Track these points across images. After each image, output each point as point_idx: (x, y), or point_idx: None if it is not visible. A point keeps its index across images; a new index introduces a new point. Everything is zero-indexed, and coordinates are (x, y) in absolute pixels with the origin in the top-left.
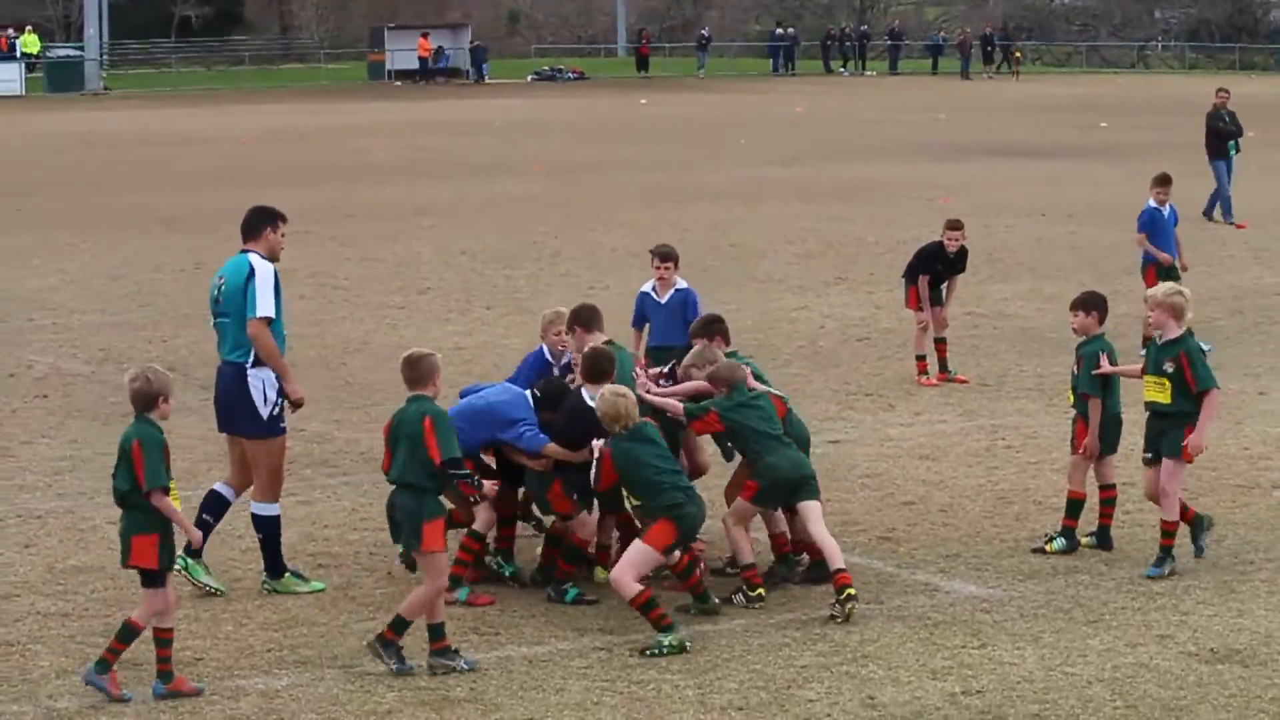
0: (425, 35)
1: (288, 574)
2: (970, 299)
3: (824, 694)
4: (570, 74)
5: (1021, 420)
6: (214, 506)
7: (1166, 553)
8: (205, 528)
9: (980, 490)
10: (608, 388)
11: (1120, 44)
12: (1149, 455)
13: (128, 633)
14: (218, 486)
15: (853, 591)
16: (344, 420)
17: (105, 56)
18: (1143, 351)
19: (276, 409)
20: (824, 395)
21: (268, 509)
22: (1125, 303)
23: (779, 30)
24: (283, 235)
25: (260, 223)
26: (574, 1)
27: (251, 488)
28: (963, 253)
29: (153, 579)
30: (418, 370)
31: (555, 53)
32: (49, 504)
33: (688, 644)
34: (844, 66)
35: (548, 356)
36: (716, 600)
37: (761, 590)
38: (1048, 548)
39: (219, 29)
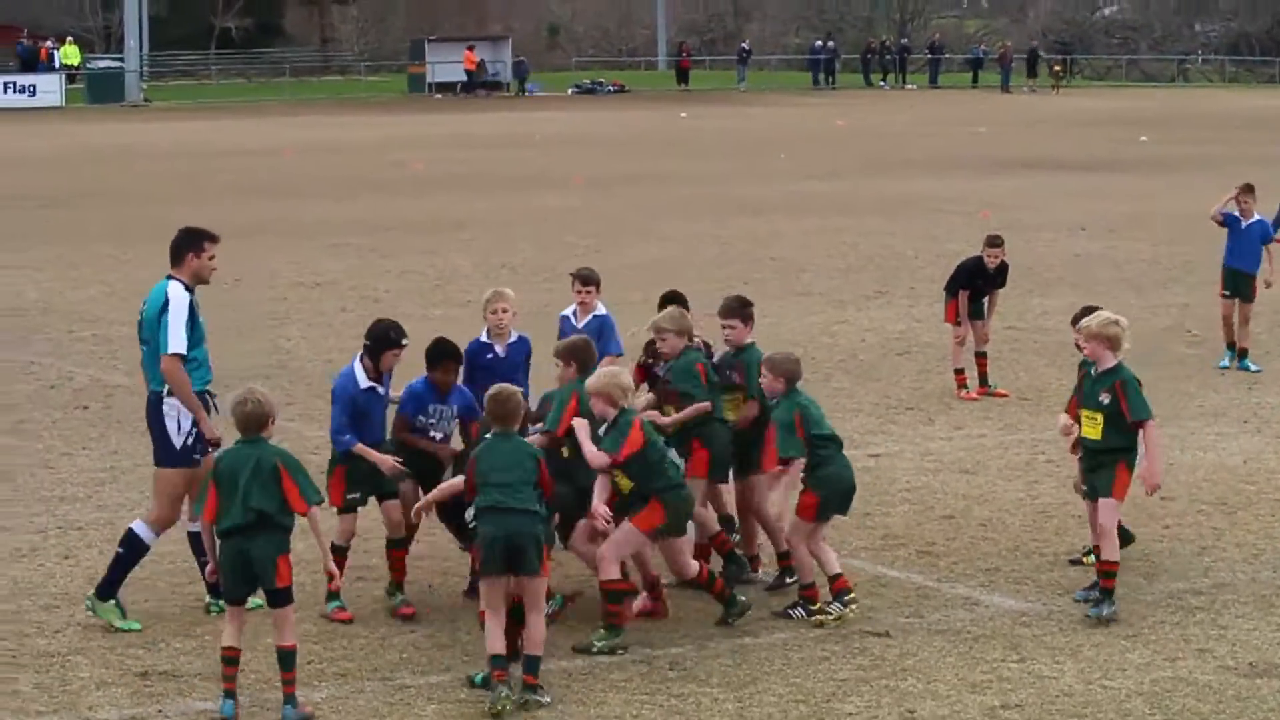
0: (471, 48)
1: (113, 601)
2: (1010, 313)
3: (863, 708)
4: (610, 87)
5: (1059, 434)
6: (198, 546)
7: (1107, 595)
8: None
9: (1020, 504)
10: (604, 368)
11: (1160, 57)
12: (1085, 489)
13: (290, 658)
14: (189, 526)
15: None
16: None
17: (145, 68)
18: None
19: (191, 439)
20: (864, 409)
21: (145, 532)
22: (1166, 317)
23: (819, 44)
24: (211, 258)
25: (183, 248)
26: (614, 14)
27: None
28: (1003, 268)
29: (290, 596)
30: (508, 408)
31: (596, 66)
32: (89, 515)
33: (621, 650)
34: (884, 80)
35: (484, 338)
36: (743, 599)
37: (822, 606)
38: (1085, 560)
39: (259, 41)
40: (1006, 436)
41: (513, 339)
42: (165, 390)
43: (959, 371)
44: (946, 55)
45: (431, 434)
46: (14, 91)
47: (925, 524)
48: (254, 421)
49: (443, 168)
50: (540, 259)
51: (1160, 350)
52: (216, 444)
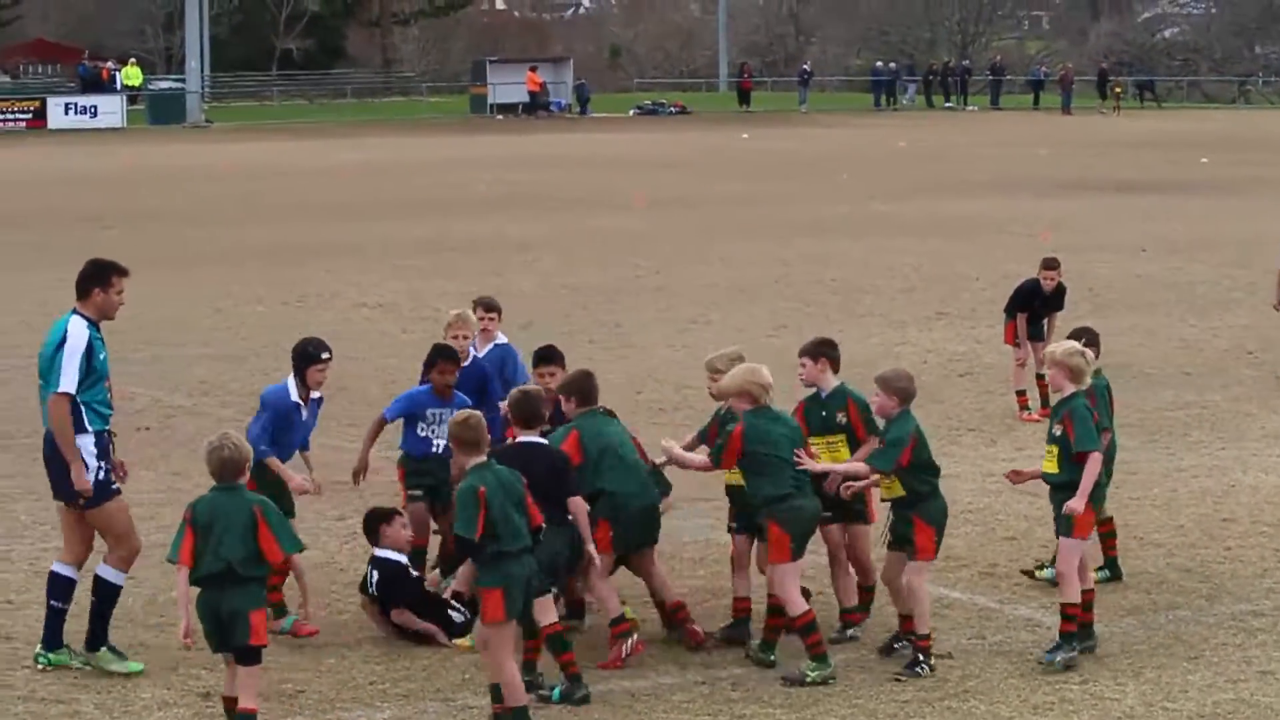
0: (534, 69)
1: (104, 649)
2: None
3: None
4: (672, 108)
5: (1122, 456)
6: (59, 590)
7: (1066, 639)
8: (58, 615)
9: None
10: (741, 365)
11: (1220, 79)
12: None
13: None
14: (55, 566)
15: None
16: None
17: (207, 89)
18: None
19: (103, 473)
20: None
21: (112, 575)
22: (1227, 338)
23: (880, 65)
24: (119, 293)
25: (88, 283)
26: (676, 36)
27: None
28: (1060, 290)
29: (259, 655)
30: (478, 431)
31: (657, 87)
32: (150, 536)
33: (833, 679)
34: (948, 101)
35: None
36: (773, 659)
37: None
38: (1037, 574)
39: (320, 62)
40: None
41: (467, 363)
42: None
43: (1020, 393)
44: (1008, 77)
45: (434, 442)
46: (75, 113)
47: (988, 545)
48: (229, 468)
49: (504, 189)
50: (602, 280)
51: (1221, 372)
52: (86, 496)
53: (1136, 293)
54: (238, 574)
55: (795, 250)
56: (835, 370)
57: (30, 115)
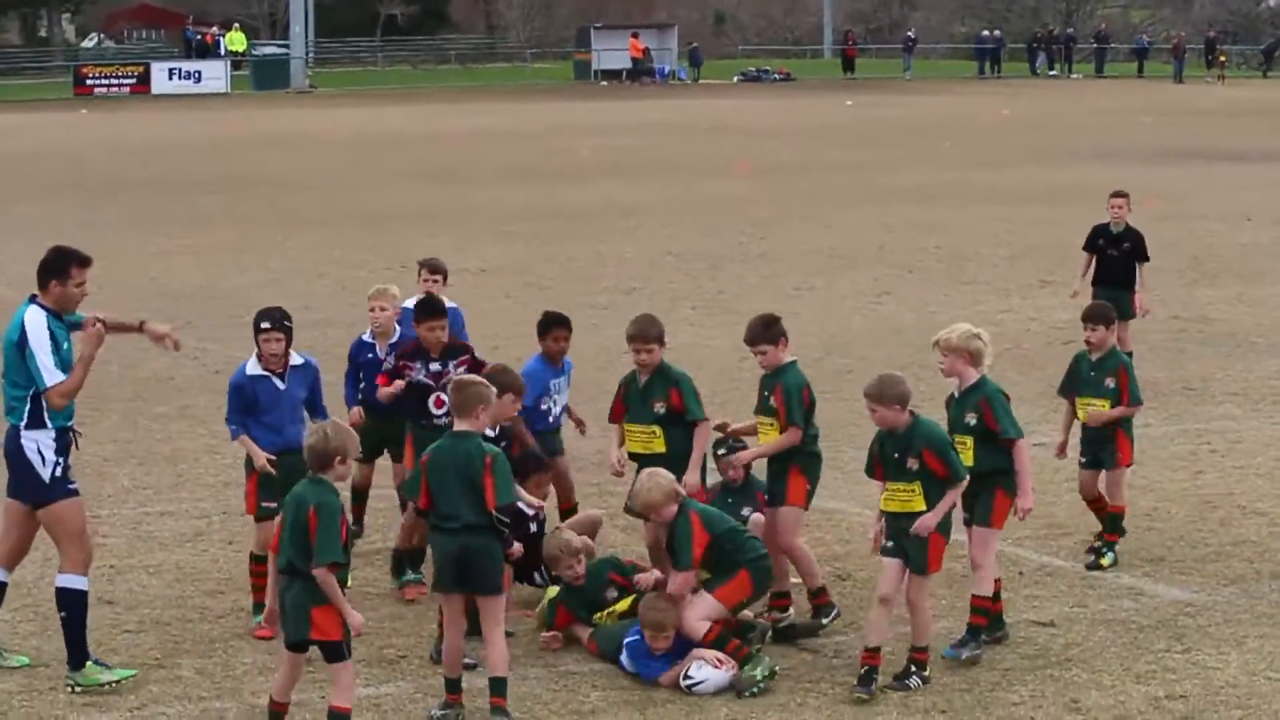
0: (636, 35)
1: (89, 663)
2: (1175, 303)
3: (1028, 697)
4: (776, 75)
5: (1226, 425)
6: None
7: (973, 634)
8: None
9: (1185, 494)
10: (645, 473)
11: None
12: (967, 517)
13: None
14: None
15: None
16: None
17: (311, 55)
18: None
19: (59, 469)
20: (1029, 398)
21: (74, 581)
22: None
23: (986, 33)
24: (79, 284)
25: (45, 275)
26: (781, 3)
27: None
28: (1132, 234)
29: (339, 652)
30: (463, 395)
31: (761, 54)
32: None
33: (776, 669)
34: (1053, 68)
35: (366, 337)
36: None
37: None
38: (1103, 563)
39: (425, 28)
40: (1170, 427)
41: (395, 338)
42: (23, 422)
43: None
44: (1112, 45)
45: (553, 413)
46: (180, 78)
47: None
48: (313, 456)
49: (608, 155)
50: (706, 246)
51: None
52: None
53: (1242, 261)
54: (299, 572)
55: (899, 217)
56: (785, 344)
57: (134, 80)
